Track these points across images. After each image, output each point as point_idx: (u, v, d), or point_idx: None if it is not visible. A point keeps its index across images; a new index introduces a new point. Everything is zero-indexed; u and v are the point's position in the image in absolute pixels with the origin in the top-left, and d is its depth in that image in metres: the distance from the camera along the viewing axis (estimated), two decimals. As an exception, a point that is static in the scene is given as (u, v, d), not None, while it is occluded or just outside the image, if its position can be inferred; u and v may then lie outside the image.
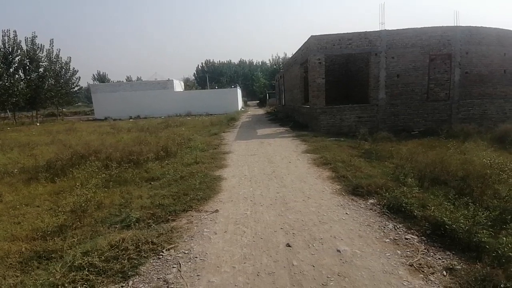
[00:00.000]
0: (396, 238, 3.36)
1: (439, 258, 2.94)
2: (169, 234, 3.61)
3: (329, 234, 3.51)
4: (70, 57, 31.65)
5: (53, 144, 11.78)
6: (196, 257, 3.13)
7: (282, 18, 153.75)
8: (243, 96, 50.67)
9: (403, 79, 12.65)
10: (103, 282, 2.72)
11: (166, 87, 34.90)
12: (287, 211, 4.25)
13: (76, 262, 2.90)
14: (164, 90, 34.63)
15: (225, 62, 77.72)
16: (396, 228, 3.60)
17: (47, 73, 28.16)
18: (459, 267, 2.75)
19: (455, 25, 13.46)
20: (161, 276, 2.83)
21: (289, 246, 3.28)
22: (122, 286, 2.71)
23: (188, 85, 58.87)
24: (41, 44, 27.98)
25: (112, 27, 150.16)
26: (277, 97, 32.85)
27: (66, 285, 2.63)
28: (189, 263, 3.04)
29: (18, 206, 5.07)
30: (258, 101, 55.11)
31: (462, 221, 3.21)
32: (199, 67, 77.14)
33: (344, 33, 12.53)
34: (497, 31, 13.02)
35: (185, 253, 3.23)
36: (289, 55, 50.87)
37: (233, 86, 45.31)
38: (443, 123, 12.44)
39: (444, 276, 2.67)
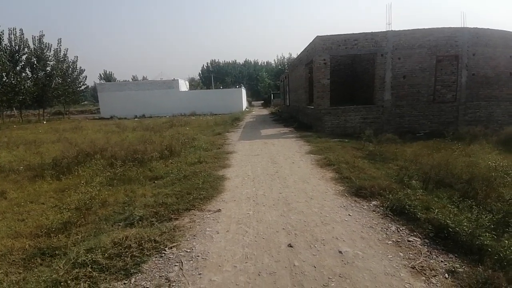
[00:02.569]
0: (399, 240, 3.34)
1: (441, 261, 2.92)
2: (172, 233, 3.63)
3: (331, 235, 3.50)
4: (77, 56, 32.11)
5: (59, 142, 11.92)
6: (198, 256, 3.15)
7: (288, 19, 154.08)
8: (247, 96, 50.76)
9: (409, 80, 12.55)
10: (106, 279, 2.74)
11: (172, 87, 35.09)
12: (289, 212, 4.25)
13: (80, 259, 2.92)
14: (170, 89, 34.83)
15: (230, 62, 77.86)
16: (399, 230, 3.58)
17: (54, 72, 28.43)
18: (461, 270, 2.74)
19: (462, 26, 13.34)
20: (163, 274, 2.85)
21: (291, 246, 3.28)
22: (124, 283, 2.73)
23: (193, 84, 59.13)
24: (49, 43, 28.32)
25: (119, 27, 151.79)
26: (281, 98, 32.84)
27: (69, 281, 2.66)
28: (191, 261, 3.06)
29: (22, 203, 5.14)
30: (262, 101, 55.16)
31: (465, 224, 3.19)
32: (205, 67, 77.37)
33: (350, 34, 12.47)
34: (503, 33, 12.88)
35: (187, 251, 3.25)
36: (294, 55, 50.86)
37: (237, 86, 45.36)
38: (449, 125, 12.35)
39: (446, 278, 2.65)
